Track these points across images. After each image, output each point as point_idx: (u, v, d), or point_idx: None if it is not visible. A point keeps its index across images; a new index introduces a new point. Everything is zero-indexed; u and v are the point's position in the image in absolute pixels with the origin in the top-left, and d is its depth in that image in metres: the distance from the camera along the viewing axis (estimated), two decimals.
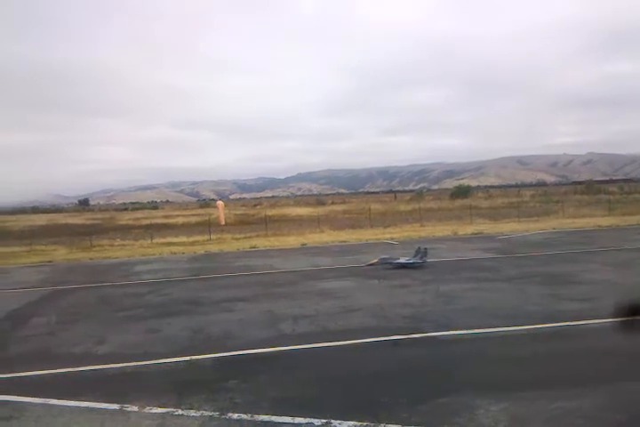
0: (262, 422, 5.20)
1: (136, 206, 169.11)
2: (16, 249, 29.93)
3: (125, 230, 44.86)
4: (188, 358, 7.49)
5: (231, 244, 27.71)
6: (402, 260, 15.85)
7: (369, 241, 25.54)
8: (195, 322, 9.90)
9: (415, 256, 16.03)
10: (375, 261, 15.94)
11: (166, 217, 67.96)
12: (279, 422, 5.15)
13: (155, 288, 14.47)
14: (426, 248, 16.34)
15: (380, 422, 4.99)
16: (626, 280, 12.34)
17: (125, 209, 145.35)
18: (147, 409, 5.67)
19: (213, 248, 25.85)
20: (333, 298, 11.64)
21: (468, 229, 28.40)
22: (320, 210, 62.75)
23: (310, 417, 5.18)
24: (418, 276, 14.15)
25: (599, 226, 27.60)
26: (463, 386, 5.88)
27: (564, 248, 18.83)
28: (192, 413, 5.52)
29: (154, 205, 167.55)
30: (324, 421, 5.10)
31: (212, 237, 31.51)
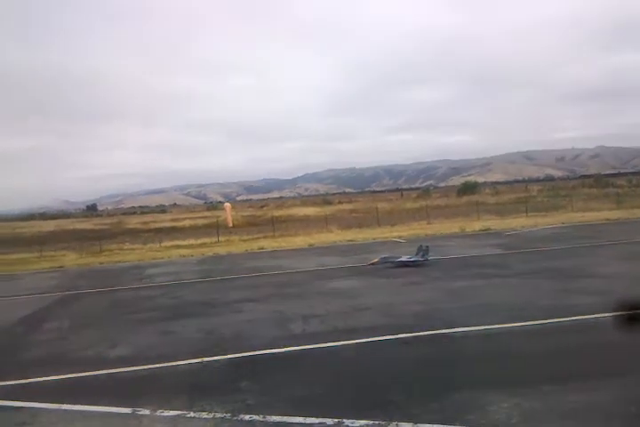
0: (274, 422, 5.20)
1: (144, 210, 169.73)
2: (26, 255, 30.22)
3: (134, 234, 45.08)
4: (200, 360, 7.52)
5: (239, 245, 27.79)
6: (403, 258, 15.76)
7: (376, 240, 25.53)
8: (206, 324, 9.94)
9: (417, 254, 15.90)
10: (376, 260, 15.86)
11: (174, 220, 68.17)
12: (291, 423, 5.15)
13: (166, 291, 14.55)
14: (427, 246, 16.20)
15: (392, 421, 4.98)
16: (637, 273, 12.27)
17: (134, 213, 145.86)
18: (159, 412, 5.68)
19: (221, 250, 25.93)
20: (342, 297, 11.66)
21: (475, 226, 28.31)
22: (327, 210, 62.78)
23: (322, 417, 5.18)
24: (427, 273, 14.14)
25: (608, 219, 27.44)
26: (475, 383, 5.87)
27: (573, 242, 18.74)
28: (204, 415, 5.53)
29: (162, 209, 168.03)
30: (337, 420, 5.09)
31: (220, 239, 31.62)
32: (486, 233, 25.22)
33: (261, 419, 5.29)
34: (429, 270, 14.63)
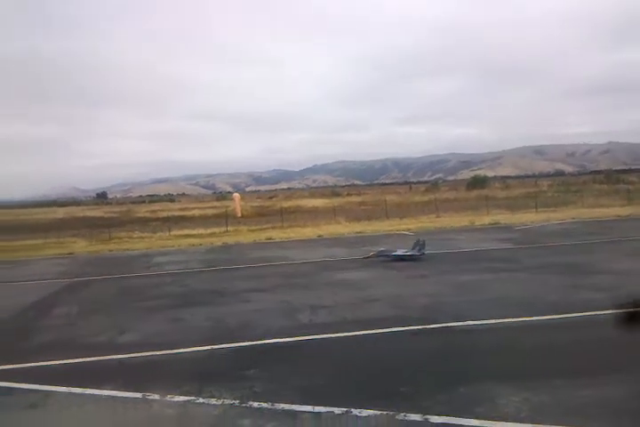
0: (283, 410, 5.24)
1: (153, 199, 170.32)
2: (37, 242, 30.42)
3: (143, 223, 45.23)
4: (208, 347, 7.58)
5: (247, 235, 27.84)
6: (399, 252, 15.70)
7: (385, 232, 25.49)
8: (215, 312, 10.00)
9: (413, 248, 15.81)
10: (372, 253, 15.81)
11: (183, 209, 68.41)
12: (299, 411, 5.18)
13: (175, 279, 14.63)
14: (424, 240, 16.06)
15: (400, 412, 4.99)
16: None
17: (142, 202, 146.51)
18: (168, 397, 5.74)
19: (230, 240, 25.99)
20: (350, 288, 11.69)
21: (484, 220, 28.19)
22: (335, 201, 62.67)
23: (330, 406, 5.21)
24: (437, 266, 14.12)
25: (619, 216, 27.24)
26: (484, 376, 5.87)
27: (583, 238, 18.64)
28: (213, 401, 5.57)
29: (170, 198, 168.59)
30: (344, 409, 5.12)
31: (229, 229, 31.68)
32: (495, 227, 25.11)
33: (269, 406, 5.33)
34: (437, 263, 14.63)
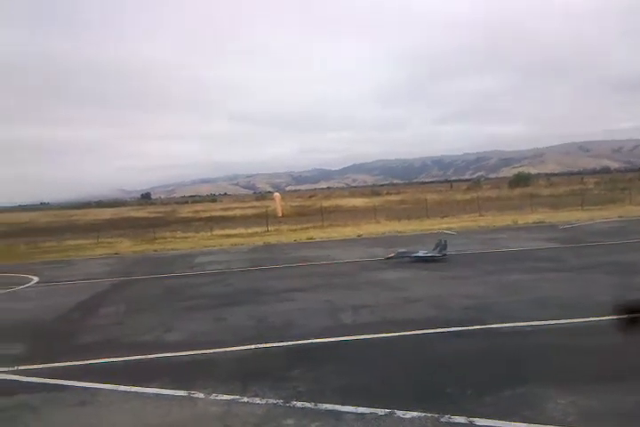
0: (326, 410, 5.24)
1: (195, 199, 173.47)
2: (83, 242, 31.39)
3: (186, 223, 46.12)
4: (252, 346, 7.65)
5: (288, 235, 28.01)
6: (420, 253, 15.38)
7: (426, 232, 25.21)
8: (258, 311, 10.08)
9: (435, 249, 15.49)
10: (392, 254, 15.56)
11: (225, 209, 69.39)
12: (343, 412, 5.18)
13: (218, 278, 14.84)
14: (446, 241, 15.72)
15: (445, 414, 4.93)
16: None
17: (185, 202, 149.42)
18: (213, 396, 5.83)
19: (271, 240, 26.19)
20: (391, 288, 11.61)
21: (528, 219, 27.57)
22: (375, 200, 62.44)
23: (374, 407, 5.19)
24: (479, 266, 13.88)
25: None
26: (530, 378, 5.73)
27: (631, 237, 18.00)
28: (257, 400, 5.63)
29: (212, 198, 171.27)
30: (388, 411, 5.08)
31: (270, 228, 31.94)
32: (540, 226, 24.52)
33: (313, 406, 5.34)
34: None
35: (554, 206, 34.53)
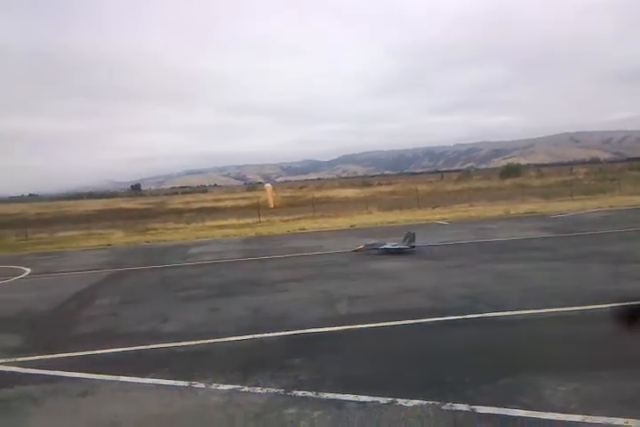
0: (328, 399, 5.26)
1: (186, 190, 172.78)
2: (75, 233, 31.17)
3: (178, 214, 45.94)
4: (250, 336, 7.66)
5: (280, 226, 28.00)
6: (388, 245, 15.33)
7: (418, 222, 25.27)
8: (252, 302, 10.09)
9: (403, 241, 15.48)
10: (361, 246, 15.52)
11: (216, 201, 69.16)
12: (344, 400, 5.20)
13: (211, 269, 14.83)
14: (414, 233, 15.68)
15: (446, 402, 4.98)
16: None
17: (175, 193, 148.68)
18: (214, 386, 5.83)
19: (263, 230, 26.18)
20: (384, 278, 11.65)
21: (519, 209, 27.75)
22: (366, 191, 62.40)
23: (375, 395, 5.22)
24: (475, 255, 13.98)
25: None
26: (527, 366, 5.78)
27: (621, 226, 18.17)
28: (258, 390, 5.64)
29: (203, 189, 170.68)
30: (390, 399, 5.11)
31: (262, 219, 31.90)
32: (531, 216, 24.68)
33: (314, 396, 5.36)
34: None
35: (545, 197, 34.75)
